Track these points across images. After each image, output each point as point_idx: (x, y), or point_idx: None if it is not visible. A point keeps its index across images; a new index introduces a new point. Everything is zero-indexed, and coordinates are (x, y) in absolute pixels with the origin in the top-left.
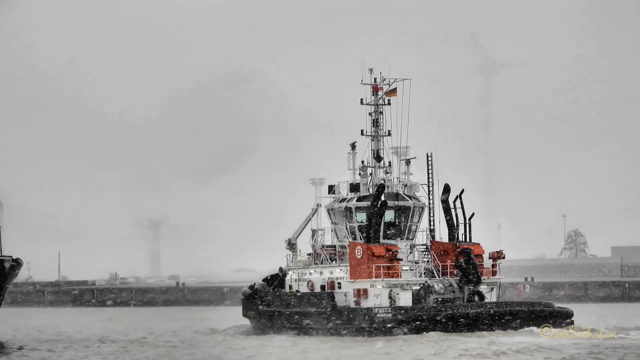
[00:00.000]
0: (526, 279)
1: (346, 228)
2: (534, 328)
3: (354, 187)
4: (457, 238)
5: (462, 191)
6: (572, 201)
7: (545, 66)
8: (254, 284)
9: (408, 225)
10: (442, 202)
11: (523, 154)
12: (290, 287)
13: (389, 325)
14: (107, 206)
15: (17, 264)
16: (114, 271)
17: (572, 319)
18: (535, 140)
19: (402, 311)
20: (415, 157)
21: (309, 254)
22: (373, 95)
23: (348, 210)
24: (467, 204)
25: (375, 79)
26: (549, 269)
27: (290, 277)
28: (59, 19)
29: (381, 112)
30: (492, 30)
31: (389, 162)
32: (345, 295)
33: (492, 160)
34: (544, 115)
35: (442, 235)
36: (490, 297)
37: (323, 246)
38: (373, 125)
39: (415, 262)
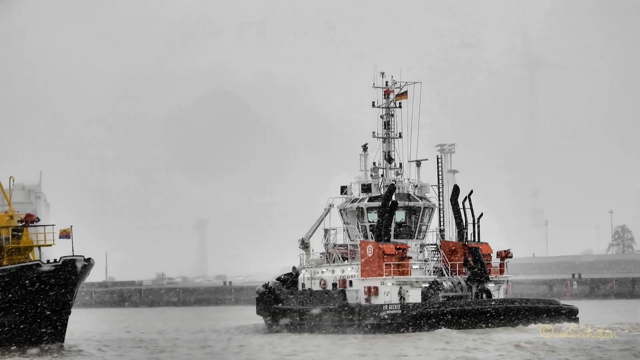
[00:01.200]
0: (573, 275)
1: (358, 228)
2: (537, 324)
3: (366, 188)
4: (466, 237)
5: (471, 192)
6: (619, 197)
7: (589, 64)
8: (268, 282)
9: (418, 225)
10: (451, 203)
11: (569, 150)
12: (303, 285)
13: (398, 322)
14: (155, 207)
15: (89, 263)
16: (160, 271)
17: (577, 316)
18: (581, 137)
19: (411, 307)
20: (427, 159)
21: (322, 253)
22: (384, 98)
23: (360, 210)
24: (512, 202)
25: (386, 82)
26: (596, 265)
27: (303, 275)
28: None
29: (392, 115)
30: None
31: (400, 164)
32: (357, 293)
33: (537, 157)
34: (588, 111)
35: (452, 234)
36: (498, 294)
37: (335, 245)
38: (384, 128)
39: (425, 261)
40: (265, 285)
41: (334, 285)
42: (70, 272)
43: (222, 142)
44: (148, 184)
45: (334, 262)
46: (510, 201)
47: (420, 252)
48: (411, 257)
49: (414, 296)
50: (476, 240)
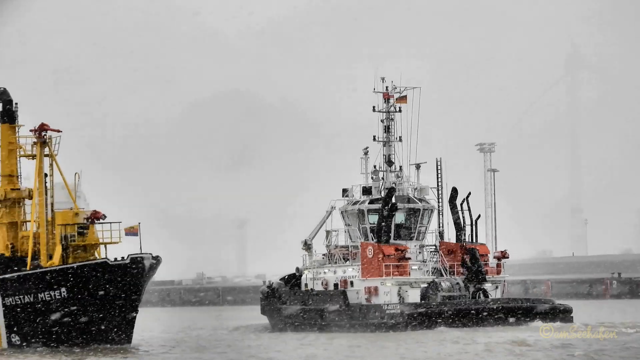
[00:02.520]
0: (613, 274)
1: (359, 229)
2: (534, 323)
3: (367, 191)
4: (464, 239)
5: (469, 194)
6: None
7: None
8: (272, 283)
9: (418, 227)
10: (449, 205)
11: (609, 148)
12: (306, 285)
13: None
14: (194, 205)
15: (156, 261)
16: (200, 271)
17: (571, 315)
18: (620, 134)
19: (410, 307)
20: (426, 162)
21: (324, 254)
22: (385, 102)
23: (360, 212)
24: (552, 201)
25: (387, 87)
26: (636, 265)
27: (306, 276)
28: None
29: (392, 119)
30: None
31: (400, 167)
32: (357, 293)
33: (578, 156)
34: (628, 110)
35: (450, 236)
36: (495, 294)
37: (337, 246)
38: (385, 132)
39: (423, 262)
40: (269, 286)
41: (336, 285)
42: (138, 270)
43: (250, 141)
44: (184, 183)
45: (335, 262)
46: (550, 200)
47: (420, 252)
48: (410, 258)
49: (413, 296)
50: (474, 241)
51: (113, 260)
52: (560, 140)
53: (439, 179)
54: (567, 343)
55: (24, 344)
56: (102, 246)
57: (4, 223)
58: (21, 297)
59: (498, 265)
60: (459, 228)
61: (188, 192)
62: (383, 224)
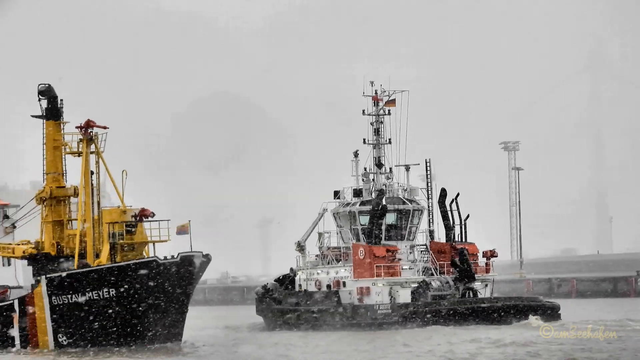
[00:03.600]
0: (638, 272)
1: (350, 231)
2: (525, 321)
3: (357, 193)
4: (453, 238)
5: (458, 194)
6: None
7: None
8: (267, 283)
9: (408, 227)
10: (439, 205)
11: (635, 144)
12: (300, 286)
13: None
14: (217, 203)
15: (207, 259)
16: (224, 270)
17: (559, 313)
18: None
19: (400, 307)
20: (418, 164)
21: (317, 255)
22: (374, 105)
23: (352, 214)
24: (576, 199)
25: (375, 90)
26: None
27: (300, 277)
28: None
29: (382, 122)
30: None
31: (390, 169)
32: (350, 293)
33: (602, 153)
34: None
35: (441, 235)
36: (484, 292)
37: (329, 248)
38: (374, 134)
39: (413, 262)
40: (264, 287)
41: (328, 286)
42: (188, 268)
43: (256, 141)
44: (206, 183)
45: (328, 263)
46: (574, 198)
47: (410, 252)
48: (401, 259)
49: (404, 296)
50: (463, 240)
51: (163, 258)
52: (583, 138)
53: (429, 180)
54: (553, 342)
55: (72, 344)
56: (150, 244)
57: (50, 221)
58: (69, 296)
59: (487, 264)
60: (448, 228)
61: (202, 193)
62: (374, 225)
